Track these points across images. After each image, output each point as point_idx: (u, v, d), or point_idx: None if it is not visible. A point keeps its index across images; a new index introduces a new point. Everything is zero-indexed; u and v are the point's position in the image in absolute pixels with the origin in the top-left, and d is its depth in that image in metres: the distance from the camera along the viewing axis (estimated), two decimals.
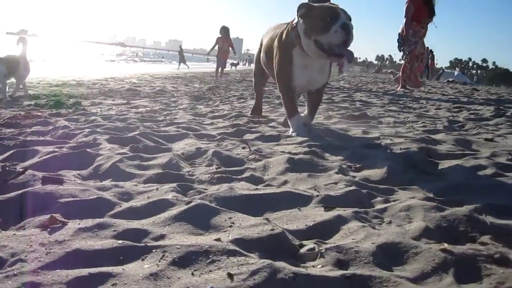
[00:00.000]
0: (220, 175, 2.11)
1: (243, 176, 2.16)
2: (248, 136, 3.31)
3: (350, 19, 3.17)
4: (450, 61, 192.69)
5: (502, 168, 2.64)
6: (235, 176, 2.13)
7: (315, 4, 3.29)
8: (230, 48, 16.85)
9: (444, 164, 2.62)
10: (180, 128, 3.52)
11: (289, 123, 3.58)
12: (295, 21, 3.43)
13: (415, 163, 2.55)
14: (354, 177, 2.20)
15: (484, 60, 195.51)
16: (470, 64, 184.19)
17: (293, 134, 3.38)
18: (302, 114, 3.69)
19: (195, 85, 10.44)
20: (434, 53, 28.52)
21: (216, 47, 16.43)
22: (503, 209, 1.76)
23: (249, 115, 4.58)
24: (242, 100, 6.53)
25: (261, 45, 4.26)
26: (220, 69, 16.64)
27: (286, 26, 3.60)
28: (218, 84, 11.01)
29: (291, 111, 3.54)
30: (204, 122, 4.04)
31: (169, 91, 7.89)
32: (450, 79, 26.75)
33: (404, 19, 10.29)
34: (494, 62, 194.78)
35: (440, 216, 1.57)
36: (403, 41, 10.45)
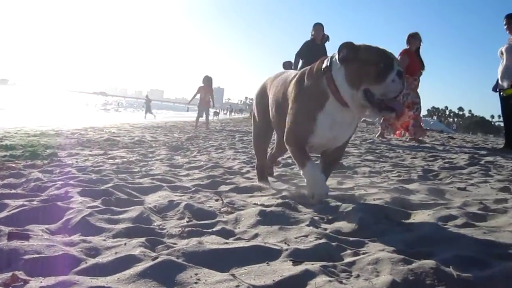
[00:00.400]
0: (190, 228, 2.09)
1: (214, 229, 2.15)
2: (222, 188, 3.31)
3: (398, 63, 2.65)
4: (428, 110, 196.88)
5: (473, 217, 2.67)
6: (205, 230, 2.12)
7: (361, 44, 2.69)
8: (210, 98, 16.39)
9: (416, 214, 2.65)
10: (155, 179, 3.51)
11: (304, 175, 2.93)
12: (327, 64, 2.77)
13: (387, 214, 2.56)
14: (326, 229, 2.20)
15: (461, 108, 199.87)
16: (447, 112, 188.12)
17: (313, 198, 2.81)
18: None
19: (175, 135, 10.48)
20: None
21: (198, 96, 16.04)
22: (471, 261, 1.77)
23: (256, 183, 3.60)
24: (220, 151, 6.56)
25: (261, 97, 3.54)
26: (205, 117, 16.07)
27: (308, 70, 2.93)
28: (198, 134, 11.07)
29: (303, 159, 2.88)
30: (179, 173, 4.03)
31: (148, 141, 7.89)
32: (427, 128, 27.20)
33: None
34: (470, 110, 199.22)
35: (408, 269, 1.57)
36: None
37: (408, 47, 10.32)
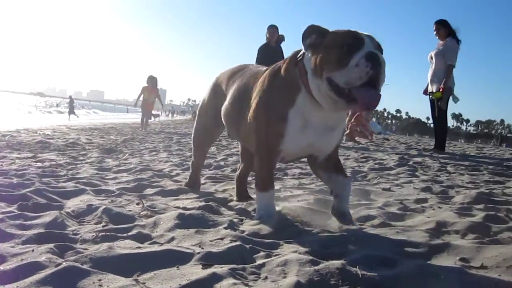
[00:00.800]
0: (104, 233, 2.05)
1: (129, 233, 2.11)
2: (148, 191, 3.27)
3: (379, 49, 2.18)
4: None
5: (391, 217, 2.76)
6: (120, 234, 2.08)
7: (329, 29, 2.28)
8: (157, 99, 15.84)
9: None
10: (79, 183, 3.43)
11: (256, 199, 2.56)
12: (301, 53, 2.37)
13: (308, 215, 2.61)
14: (243, 231, 2.21)
15: (398, 111, 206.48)
16: (385, 114, 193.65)
17: (259, 219, 2.42)
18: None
19: (111, 137, 10.27)
20: None
21: (142, 97, 15.38)
22: (380, 260, 1.83)
23: (184, 186, 3.48)
24: (154, 153, 6.48)
25: (213, 92, 3.10)
26: (145, 120, 15.50)
27: (283, 62, 2.49)
28: (135, 136, 10.89)
29: (264, 183, 2.46)
30: (106, 176, 3.95)
31: (82, 144, 7.70)
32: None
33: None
34: (407, 112, 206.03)
35: (314, 270, 1.60)
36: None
37: None
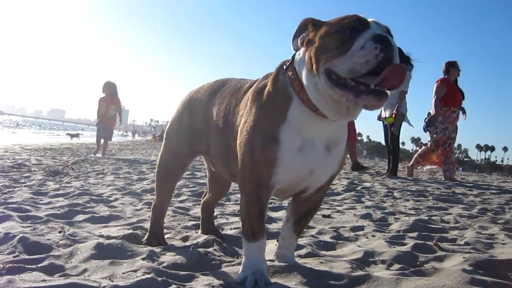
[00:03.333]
0: (12, 265, 1.96)
1: (40, 265, 2.02)
2: (78, 218, 3.17)
3: (387, 32, 1.76)
4: None
5: (321, 246, 2.74)
6: (30, 266, 1.99)
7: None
8: (117, 113, 12.32)
9: (267, 244, 2.66)
10: (8, 208, 3.29)
11: (244, 251, 2.02)
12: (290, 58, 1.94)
13: (236, 244, 2.56)
14: (162, 262, 2.15)
15: (359, 134, 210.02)
16: None
17: (245, 281, 1.88)
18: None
19: (64, 158, 10.04)
20: None
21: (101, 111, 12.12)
22: None
23: (143, 242, 2.57)
24: (100, 176, 6.33)
25: (190, 110, 2.51)
26: (103, 141, 12.23)
27: (272, 73, 2.00)
28: (88, 158, 10.65)
29: (254, 231, 1.95)
30: (41, 201, 3.82)
31: (29, 165, 7.46)
32: None
33: (434, 99, 9.00)
34: (368, 136, 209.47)
35: None
36: (430, 122, 9.07)
37: (446, 76, 9.24)
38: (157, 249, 2.37)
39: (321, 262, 2.28)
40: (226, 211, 3.78)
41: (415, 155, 9.81)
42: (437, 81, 9.14)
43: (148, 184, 5.47)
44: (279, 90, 1.91)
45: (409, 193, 6.17)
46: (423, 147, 9.75)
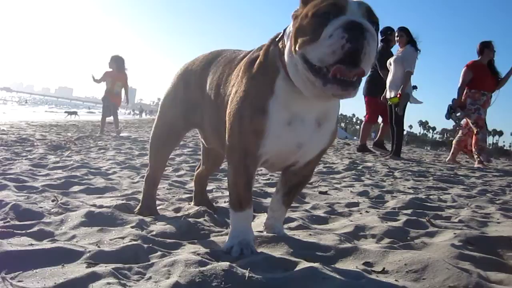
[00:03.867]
0: (2, 230, 1.98)
1: (29, 230, 2.04)
2: (74, 188, 3.19)
3: (371, 19, 1.68)
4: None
5: (313, 220, 2.75)
6: (19, 231, 2.01)
7: None
8: (123, 91, 11.47)
9: (260, 217, 2.68)
10: (5, 179, 3.32)
11: (230, 221, 2.05)
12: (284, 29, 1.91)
13: (227, 216, 2.57)
14: (151, 231, 2.17)
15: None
16: (354, 120, 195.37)
17: (231, 250, 1.89)
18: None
19: (68, 134, 10.07)
20: None
21: (105, 86, 11.34)
22: (280, 263, 1.81)
23: (135, 212, 2.57)
24: (102, 151, 6.35)
25: (185, 82, 2.48)
26: (113, 119, 11.69)
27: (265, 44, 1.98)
28: (92, 134, 10.67)
29: (239, 199, 1.96)
30: (39, 173, 3.85)
31: (33, 140, 7.50)
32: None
33: (459, 84, 8.86)
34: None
35: (198, 271, 1.56)
36: (454, 108, 8.84)
37: (479, 58, 8.94)
38: (148, 219, 2.39)
39: (310, 234, 2.30)
40: (223, 186, 3.78)
41: (454, 145, 9.58)
42: (465, 66, 8.97)
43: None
44: (269, 62, 1.89)
45: (410, 173, 6.16)
46: (459, 135, 9.48)
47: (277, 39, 1.92)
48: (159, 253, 1.83)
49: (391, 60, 9.06)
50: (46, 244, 1.83)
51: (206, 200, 2.88)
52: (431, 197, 4.06)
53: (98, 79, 11.26)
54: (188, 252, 1.85)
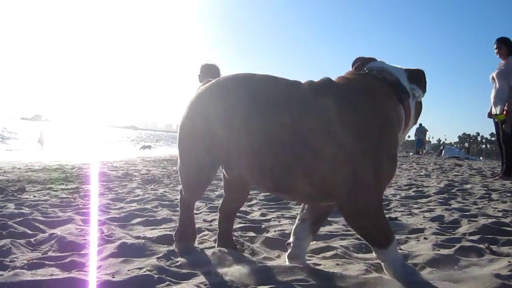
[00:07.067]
0: (33, 261, 2.14)
1: (60, 262, 2.16)
2: (135, 221, 3.33)
3: None
4: (459, 136, 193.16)
5: (359, 249, 2.63)
6: (51, 262, 2.16)
7: None
8: None
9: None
10: (77, 213, 3.55)
11: (385, 262, 2.02)
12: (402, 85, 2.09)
13: None
14: (176, 262, 2.20)
15: (492, 134, 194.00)
16: (479, 139, 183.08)
17: (397, 277, 1.95)
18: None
19: (174, 168, 10.51)
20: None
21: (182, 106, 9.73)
22: None
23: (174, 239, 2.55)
24: None
25: (206, 115, 2.22)
26: None
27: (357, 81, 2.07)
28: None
29: (388, 236, 1.96)
30: (114, 206, 4.03)
31: (135, 174, 7.92)
32: (449, 156, 26.08)
33: None
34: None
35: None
36: None
37: None
38: (177, 249, 2.43)
39: (337, 264, 2.21)
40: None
41: None
42: None
43: None
44: (391, 117, 2.04)
45: (510, 194, 5.65)
46: None
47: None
48: (166, 283, 1.86)
49: (493, 74, 8.50)
50: (64, 274, 1.93)
51: (232, 242, 2.55)
52: None
53: None
54: (194, 283, 1.86)
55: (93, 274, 1.96)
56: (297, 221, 2.25)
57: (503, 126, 8.42)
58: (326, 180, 1.90)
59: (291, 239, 2.24)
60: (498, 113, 8.44)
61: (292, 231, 2.25)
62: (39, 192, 5.21)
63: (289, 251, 2.23)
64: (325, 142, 1.89)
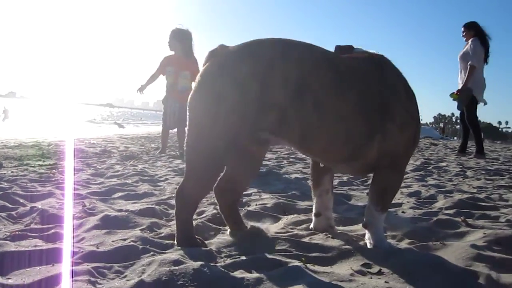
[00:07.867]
0: (16, 233, 2.13)
1: (44, 234, 2.16)
2: (116, 195, 3.33)
3: None
4: (434, 117, 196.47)
5: (341, 222, 2.68)
6: (34, 234, 2.15)
7: None
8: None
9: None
10: (58, 188, 3.53)
11: (372, 228, 2.10)
12: None
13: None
14: (160, 233, 2.22)
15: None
16: (454, 120, 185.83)
17: (376, 243, 2.06)
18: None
19: (152, 144, 10.44)
20: None
21: (163, 80, 7.30)
22: (264, 263, 1.80)
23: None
24: (170, 160, 6.48)
25: (251, 80, 1.87)
26: (177, 132, 7.53)
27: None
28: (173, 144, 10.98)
29: (389, 204, 2.19)
30: (94, 181, 4.02)
31: (113, 151, 7.84)
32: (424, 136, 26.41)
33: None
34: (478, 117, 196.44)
35: (168, 271, 1.59)
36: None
37: None
38: (161, 221, 2.44)
39: (318, 236, 2.25)
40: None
41: None
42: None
43: None
44: None
45: (484, 172, 5.79)
46: None
47: None
48: (151, 253, 1.88)
49: (458, 56, 8.71)
50: (47, 246, 1.94)
51: (243, 224, 2.31)
52: (491, 196, 3.78)
53: (148, 80, 7.41)
54: (175, 252, 1.88)
55: (78, 244, 1.97)
56: (320, 193, 2.37)
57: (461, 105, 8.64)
58: (396, 145, 2.05)
59: (324, 212, 2.37)
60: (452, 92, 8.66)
61: (320, 204, 2.37)
62: (16, 168, 5.14)
63: (324, 222, 2.38)
64: (398, 111, 2.03)
